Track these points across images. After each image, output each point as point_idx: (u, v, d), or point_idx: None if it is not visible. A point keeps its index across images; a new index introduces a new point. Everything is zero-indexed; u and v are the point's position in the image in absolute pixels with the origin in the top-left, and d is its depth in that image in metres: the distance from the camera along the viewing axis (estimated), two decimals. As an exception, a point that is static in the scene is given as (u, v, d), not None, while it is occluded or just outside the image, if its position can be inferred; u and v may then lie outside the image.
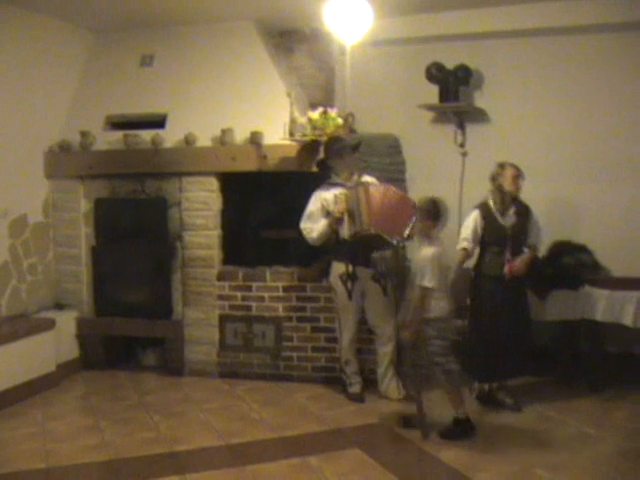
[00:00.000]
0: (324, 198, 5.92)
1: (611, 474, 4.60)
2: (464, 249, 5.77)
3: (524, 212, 5.85)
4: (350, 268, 5.86)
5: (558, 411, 5.73)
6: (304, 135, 6.36)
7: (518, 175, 5.78)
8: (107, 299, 7.09)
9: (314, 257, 6.44)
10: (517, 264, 5.73)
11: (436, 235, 5.23)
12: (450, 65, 6.93)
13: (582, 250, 6.47)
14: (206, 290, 6.82)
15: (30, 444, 5.22)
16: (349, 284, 5.89)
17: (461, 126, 7.16)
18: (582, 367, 6.23)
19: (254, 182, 6.80)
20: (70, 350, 6.96)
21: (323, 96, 7.26)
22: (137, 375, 6.92)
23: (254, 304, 6.69)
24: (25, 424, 5.63)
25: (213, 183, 6.76)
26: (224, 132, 6.61)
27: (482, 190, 6.08)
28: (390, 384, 6.09)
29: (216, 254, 6.82)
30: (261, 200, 7.06)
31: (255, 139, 6.52)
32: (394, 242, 5.59)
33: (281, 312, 6.61)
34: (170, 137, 6.83)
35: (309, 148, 6.39)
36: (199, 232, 6.81)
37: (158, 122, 6.94)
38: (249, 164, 6.57)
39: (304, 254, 6.50)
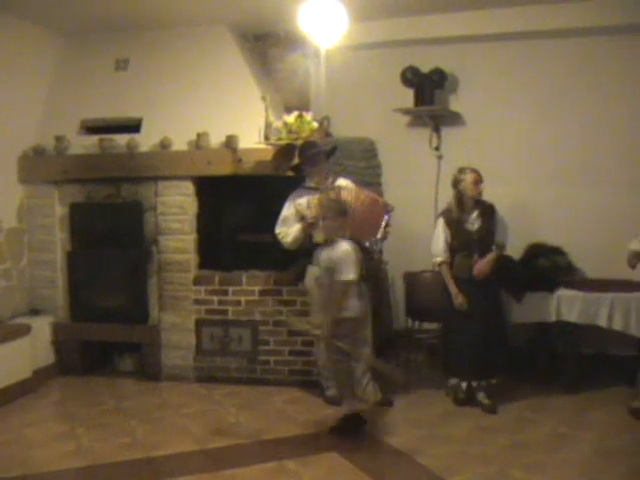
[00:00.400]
0: (298, 203, 5.91)
1: (587, 474, 4.63)
2: (441, 263, 5.97)
3: (488, 212, 5.94)
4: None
5: (534, 411, 5.78)
6: (279, 139, 6.35)
7: (478, 180, 5.86)
8: (83, 304, 7.05)
9: (290, 261, 6.43)
10: (479, 266, 5.81)
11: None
12: (425, 69, 6.99)
13: (557, 252, 6.54)
14: (182, 294, 6.79)
15: (6, 451, 5.18)
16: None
17: (436, 129, 7.23)
18: (557, 368, 6.28)
19: (230, 186, 6.78)
20: (46, 356, 6.91)
21: (298, 100, 7.26)
22: (114, 380, 6.88)
23: (230, 308, 6.67)
24: (1, 431, 5.58)
25: (189, 187, 6.74)
26: (199, 136, 6.59)
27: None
28: (367, 387, 6.09)
29: (192, 258, 6.80)
30: (237, 204, 7.07)
31: (230, 143, 6.51)
32: (366, 244, 5.65)
33: (257, 316, 6.60)
34: (146, 141, 6.80)
35: (284, 152, 6.38)
36: (175, 236, 6.79)
37: (133, 126, 6.91)
38: (225, 168, 6.56)
39: (280, 258, 6.50)
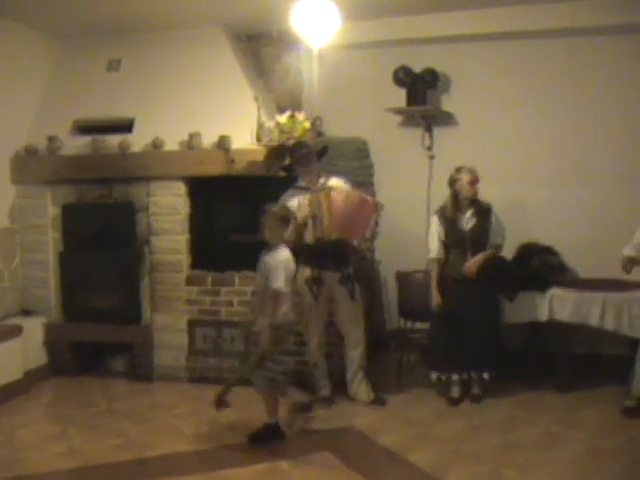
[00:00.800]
0: (289, 203, 5.91)
1: (579, 473, 4.64)
2: (434, 259, 6.06)
3: (484, 212, 6.01)
4: (316, 272, 5.88)
5: (526, 411, 5.79)
6: (271, 139, 6.36)
7: (474, 180, 5.94)
8: (75, 305, 7.03)
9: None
10: (468, 264, 5.90)
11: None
12: (418, 68, 7.00)
13: (549, 252, 6.55)
14: (175, 295, 6.79)
15: (-2, 452, 5.18)
16: (315, 288, 5.91)
17: (429, 129, 7.24)
18: (550, 367, 6.29)
19: (222, 186, 6.78)
20: (38, 357, 6.88)
21: (291, 100, 7.26)
22: (106, 381, 6.86)
23: (223, 309, 6.66)
24: (-8, 432, 5.58)
25: (181, 187, 6.74)
26: (192, 136, 6.58)
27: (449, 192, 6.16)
28: (359, 387, 6.10)
29: (184, 259, 6.79)
30: (229, 204, 7.06)
31: (223, 143, 6.50)
32: (356, 244, 5.74)
33: (250, 316, 6.58)
34: (138, 141, 6.79)
35: (276, 152, 6.37)
36: (167, 237, 6.78)
37: (126, 126, 6.90)
38: (217, 168, 6.55)
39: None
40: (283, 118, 6.36)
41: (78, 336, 7.01)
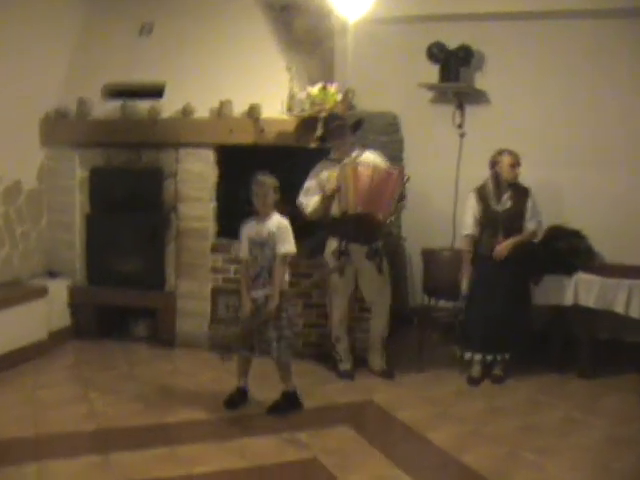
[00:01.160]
0: (321, 174, 5.90)
1: (598, 460, 4.63)
2: (467, 236, 6.06)
3: (521, 196, 5.97)
4: (342, 246, 5.88)
5: (547, 395, 5.77)
6: (302, 110, 6.32)
7: (515, 163, 5.92)
8: (100, 268, 7.07)
9: (310, 233, 6.42)
10: (497, 247, 5.87)
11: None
12: (452, 45, 6.92)
13: (576, 236, 6.48)
14: (200, 262, 6.80)
15: (20, 411, 5.21)
16: (341, 262, 5.90)
17: (460, 107, 7.16)
18: (573, 353, 6.25)
19: (251, 156, 6.75)
20: (62, 318, 6.93)
21: (322, 72, 7.20)
22: (128, 346, 6.90)
23: (247, 278, 6.67)
24: (15, 391, 5.62)
25: (210, 155, 6.73)
26: (222, 104, 6.56)
27: (478, 171, 6.14)
28: (374, 355, 6.15)
29: (211, 226, 6.80)
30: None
31: (253, 112, 6.47)
32: (380, 217, 5.70)
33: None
34: (168, 107, 6.77)
35: (307, 124, 6.35)
36: (194, 204, 6.78)
37: (156, 92, 6.88)
38: (246, 137, 6.53)
39: (300, 229, 6.47)
40: (315, 89, 6.32)
41: (102, 299, 7.05)
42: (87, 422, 5.06)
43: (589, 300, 6.03)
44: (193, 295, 6.82)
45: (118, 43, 7.13)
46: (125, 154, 6.94)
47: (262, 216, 5.25)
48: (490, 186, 6.02)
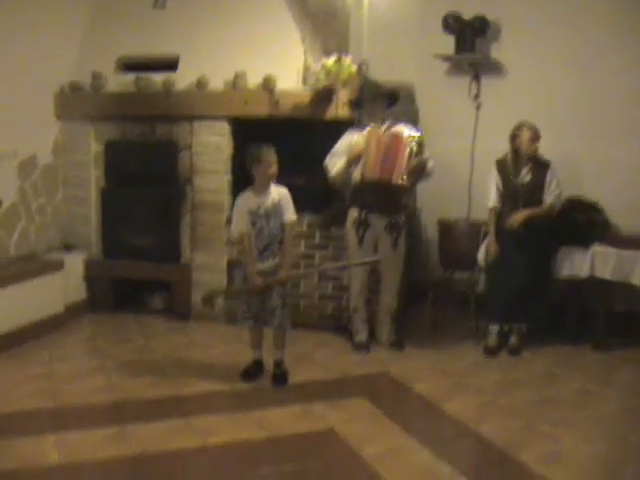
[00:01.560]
0: (351, 138, 5.93)
1: (612, 432, 4.63)
2: (492, 208, 6.10)
3: (541, 169, 5.98)
4: (363, 215, 5.88)
5: (562, 367, 5.77)
6: (318, 81, 6.29)
7: (534, 138, 5.92)
8: (115, 241, 7.09)
9: (325, 204, 6.41)
10: (511, 218, 5.92)
11: None
12: (467, 15, 6.84)
13: (593, 208, 6.44)
14: (215, 235, 6.81)
15: (37, 384, 5.25)
16: (360, 231, 5.90)
17: (476, 78, 7.10)
18: (588, 325, 6.24)
19: (266, 128, 6.72)
20: (78, 292, 6.98)
21: (337, 43, 7.15)
22: (144, 318, 6.94)
23: (262, 251, 6.67)
24: (32, 364, 5.66)
25: (225, 127, 6.72)
26: (237, 76, 6.53)
27: (494, 144, 6.15)
28: (382, 328, 6.17)
29: (226, 199, 6.78)
30: (272, 146, 7.01)
31: (268, 84, 6.45)
32: (399, 182, 5.71)
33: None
34: (182, 80, 6.75)
35: (322, 95, 6.32)
36: (209, 177, 6.78)
37: (170, 64, 6.86)
38: (261, 109, 6.51)
39: (315, 200, 6.47)
40: (330, 61, 6.28)
41: (117, 273, 7.08)
42: (103, 394, 5.10)
43: (605, 272, 6.00)
44: (208, 268, 6.83)
45: (132, 16, 7.09)
46: (140, 127, 6.93)
47: (260, 188, 5.24)
48: (510, 159, 6.02)
